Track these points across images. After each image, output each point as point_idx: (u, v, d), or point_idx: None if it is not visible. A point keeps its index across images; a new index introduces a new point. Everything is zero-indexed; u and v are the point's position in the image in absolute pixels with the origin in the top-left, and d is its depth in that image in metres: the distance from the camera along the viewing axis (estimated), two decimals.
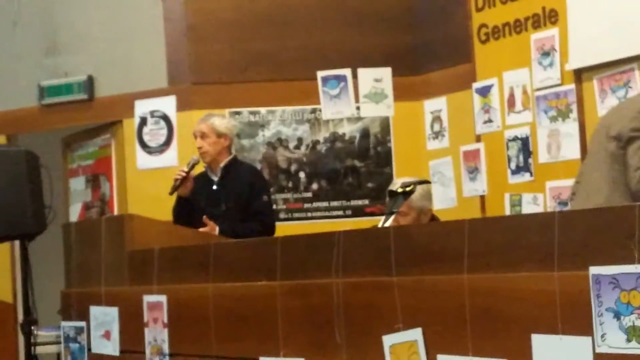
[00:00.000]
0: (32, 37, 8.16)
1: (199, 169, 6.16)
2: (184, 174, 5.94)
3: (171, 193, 6.00)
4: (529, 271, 3.08)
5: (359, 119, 7.58)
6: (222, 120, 6.21)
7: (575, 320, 2.89)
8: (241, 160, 6.59)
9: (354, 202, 7.59)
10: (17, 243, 6.80)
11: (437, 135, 7.47)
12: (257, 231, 5.82)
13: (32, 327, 6.17)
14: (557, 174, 6.42)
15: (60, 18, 8.08)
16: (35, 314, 6.21)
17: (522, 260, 3.12)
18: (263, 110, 7.60)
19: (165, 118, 7.62)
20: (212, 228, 5.77)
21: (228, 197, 6.02)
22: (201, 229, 5.71)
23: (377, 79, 7.51)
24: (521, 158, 6.66)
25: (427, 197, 5.22)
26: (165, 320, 4.75)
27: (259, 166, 7.29)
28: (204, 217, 5.80)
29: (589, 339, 2.83)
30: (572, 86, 6.35)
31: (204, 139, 6.07)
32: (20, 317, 6.62)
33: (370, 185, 7.61)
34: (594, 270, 2.83)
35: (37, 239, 6.26)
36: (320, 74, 7.50)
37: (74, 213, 8.35)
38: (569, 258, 2.95)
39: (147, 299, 4.86)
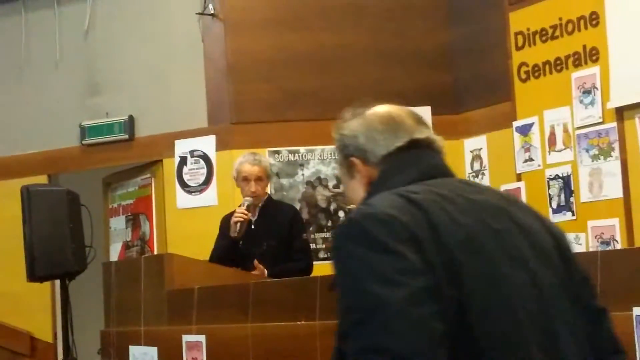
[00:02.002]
0: (74, 78, 8.24)
1: (229, 209, 6.10)
2: (244, 216, 5.83)
3: (236, 237, 5.84)
4: None
5: None
6: (267, 161, 6.18)
7: None
8: (277, 199, 6.58)
9: None
10: (57, 282, 6.82)
11: (477, 174, 7.43)
12: (302, 270, 5.77)
13: None
14: (599, 213, 6.36)
15: (101, 59, 8.16)
16: (75, 353, 6.23)
17: None
18: (302, 149, 7.60)
19: (205, 157, 7.65)
20: (261, 271, 5.70)
21: (268, 236, 5.97)
22: (253, 272, 5.63)
23: None
24: (562, 197, 6.61)
25: None
26: (205, 359, 4.73)
27: (298, 205, 7.27)
28: (255, 261, 5.72)
29: None
30: (614, 124, 6.30)
31: (259, 182, 5.96)
32: (60, 356, 6.64)
33: None
34: (637, 311, 2.79)
35: (77, 278, 6.28)
36: None
37: (114, 252, 8.38)
38: (611, 298, 2.91)
39: (186, 338, 4.85)
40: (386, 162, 2.36)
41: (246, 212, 5.80)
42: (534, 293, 2.20)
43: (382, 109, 2.45)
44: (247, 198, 5.90)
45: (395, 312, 1.99)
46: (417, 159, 2.36)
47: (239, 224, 5.76)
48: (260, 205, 6.04)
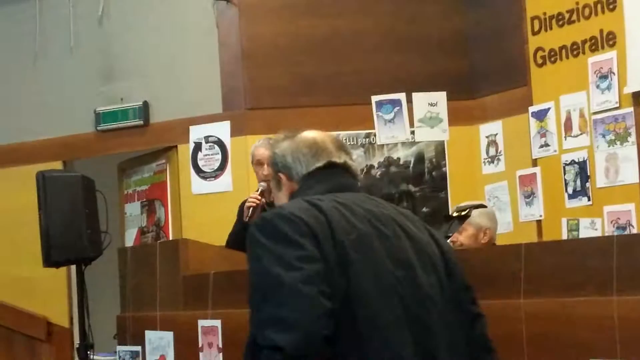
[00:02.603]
0: (89, 64, 8.24)
1: (243, 195, 6.11)
2: (257, 201, 5.86)
3: (248, 220, 5.89)
4: (587, 296, 3.04)
5: (413, 143, 7.54)
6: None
7: (635, 345, 2.84)
8: None
9: None
10: (73, 268, 6.84)
11: (492, 159, 7.41)
12: None
13: (88, 352, 6.20)
14: (615, 198, 6.34)
15: (116, 45, 8.17)
16: (92, 338, 6.25)
17: (580, 285, 3.07)
18: None
19: (220, 143, 7.65)
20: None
21: None
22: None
23: (432, 103, 7.47)
24: (578, 182, 6.59)
25: (488, 217, 5.14)
26: (220, 344, 4.74)
27: None
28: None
29: None
30: (631, 109, 6.27)
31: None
32: (77, 341, 6.66)
33: (425, 209, 7.56)
34: None
35: (93, 264, 6.29)
36: (375, 98, 7.48)
37: (130, 238, 8.40)
38: (627, 282, 2.90)
39: (202, 323, 4.86)
40: (305, 179, 2.90)
41: (259, 197, 5.82)
42: (413, 291, 2.67)
43: (310, 134, 3.03)
44: (262, 183, 5.92)
45: (291, 289, 2.49)
46: (330, 177, 2.90)
47: (251, 209, 5.79)
48: None
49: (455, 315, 2.77)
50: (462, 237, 5.00)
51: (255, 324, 2.57)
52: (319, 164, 2.93)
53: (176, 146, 7.86)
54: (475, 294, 2.93)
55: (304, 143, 3.00)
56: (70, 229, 6.11)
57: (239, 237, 5.88)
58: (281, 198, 2.97)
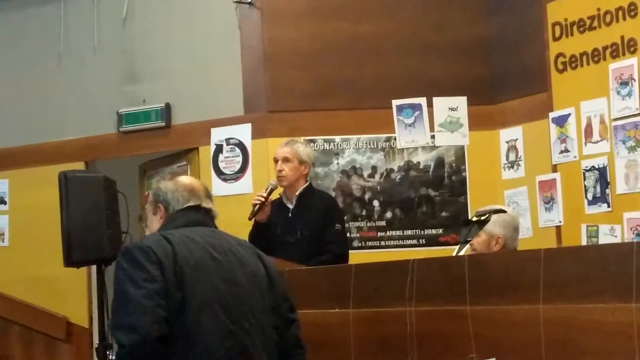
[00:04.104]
0: (112, 65, 8.29)
1: (275, 195, 6.18)
2: (262, 199, 5.95)
3: (250, 218, 6.02)
4: (606, 302, 3.04)
5: (433, 147, 7.55)
6: (305, 148, 6.24)
7: None
8: (316, 187, 6.62)
9: (427, 232, 7.56)
10: (93, 268, 6.87)
11: (512, 164, 7.41)
12: (327, 262, 5.80)
13: (108, 352, 6.21)
14: (635, 205, 6.33)
15: (139, 46, 8.21)
16: (111, 338, 6.27)
17: (599, 291, 3.07)
18: (338, 138, 7.61)
19: (241, 145, 7.68)
20: None
21: (303, 224, 6.02)
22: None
23: (452, 107, 7.50)
24: (598, 188, 6.58)
25: (503, 225, 5.11)
26: None
27: (332, 194, 7.29)
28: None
29: None
30: None
31: (286, 163, 6.08)
32: (96, 341, 6.69)
33: (444, 214, 7.56)
34: None
35: (113, 264, 6.31)
36: (396, 102, 7.51)
37: None
38: None
39: None
40: (175, 214, 3.83)
41: (264, 195, 5.90)
42: (235, 301, 3.62)
43: (187, 179, 4.01)
44: (272, 181, 6.03)
45: (136, 302, 3.43)
46: (190, 215, 3.84)
47: (256, 207, 5.87)
48: (298, 193, 6.10)
49: (275, 320, 3.77)
50: (476, 243, 5.00)
51: (111, 328, 3.58)
52: (190, 204, 3.86)
53: (197, 148, 7.90)
54: (293, 303, 3.90)
55: (182, 186, 3.91)
56: (91, 229, 6.14)
57: (252, 237, 5.98)
58: (154, 221, 3.89)
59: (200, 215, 3.88)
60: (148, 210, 3.94)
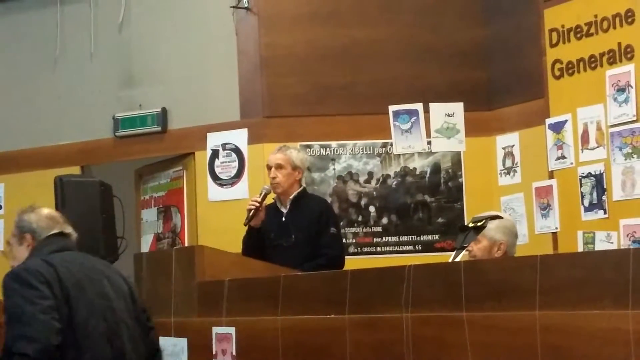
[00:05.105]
0: (108, 70, 8.28)
1: (269, 200, 6.18)
2: (257, 204, 5.96)
3: (246, 224, 6.02)
4: (603, 309, 3.03)
5: (430, 153, 7.55)
6: (297, 153, 6.23)
7: None
8: (310, 192, 6.61)
9: (423, 238, 7.55)
10: None
11: (509, 171, 7.41)
12: (323, 266, 5.80)
13: None
14: (632, 212, 6.33)
15: (135, 51, 8.20)
16: None
17: (596, 298, 3.07)
18: (334, 144, 7.61)
19: (237, 151, 7.67)
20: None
21: (297, 229, 6.02)
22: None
23: (449, 113, 7.50)
24: (595, 195, 6.58)
25: (504, 231, 5.10)
26: (234, 352, 4.75)
27: (329, 200, 7.28)
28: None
29: None
30: None
31: (279, 169, 6.08)
32: None
33: (440, 220, 7.56)
34: None
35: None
36: (392, 108, 7.51)
37: (146, 244, 8.42)
38: None
39: (216, 330, 4.87)
40: (42, 241, 4.36)
41: (259, 200, 5.91)
42: (111, 314, 4.26)
43: (46, 209, 4.49)
44: (265, 186, 6.04)
45: (31, 317, 3.98)
46: (58, 241, 4.37)
47: (251, 212, 5.87)
48: (292, 197, 6.09)
49: (139, 328, 4.42)
50: (476, 249, 4.98)
51: (11, 339, 3.98)
52: (53, 231, 4.38)
53: (193, 153, 7.89)
54: (149, 313, 4.59)
55: (44, 216, 4.42)
56: (87, 234, 6.11)
57: (246, 242, 5.99)
58: (21, 251, 4.39)
59: (65, 240, 4.42)
60: (13, 242, 4.46)
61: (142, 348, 4.43)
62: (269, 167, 6.16)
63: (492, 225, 4.90)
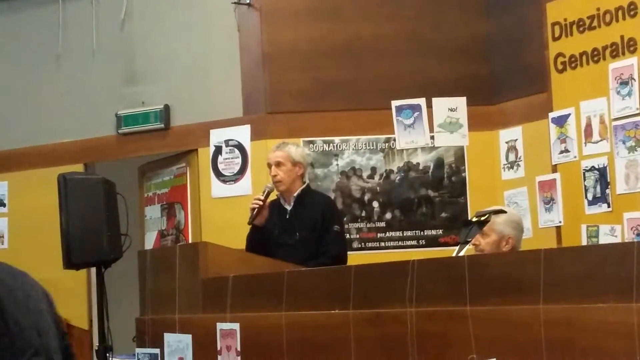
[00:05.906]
0: (110, 67, 8.29)
1: (272, 197, 6.18)
2: (260, 203, 5.95)
3: (250, 223, 6.01)
4: (607, 302, 3.03)
5: (433, 148, 7.55)
6: (297, 149, 6.22)
7: None
8: (314, 189, 6.60)
9: (427, 232, 7.55)
10: (93, 270, 6.86)
11: (512, 165, 7.40)
12: (326, 265, 5.79)
13: (107, 354, 6.22)
14: (635, 205, 6.32)
15: (137, 48, 8.21)
16: (111, 341, 6.27)
17: (600, 291, 3.07)
18: (337, 139, 7.61)
19: (240, 147, 7.67)
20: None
21: (301, 226, 6.01)
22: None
23: (452, 108, 7.49)
24: (598, 189, 6.57)
25: (512, 225, 5.09)
26: (238, 348, 4.75)
27: (332, 195, 7.28)
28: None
29: None
30: None
31: (279, 167, 6.07)
32: (96, 343, 6.68)
33: (444, 215, 7.56)
34: None
35: (112, 266, 6.32)
36: (395, 103, 7.50)
37: (150, 241, 8.43)
38: None
39: (221, 326, 4.87)
40: None
41: (262, 199, 5.90)
42: (48, 325, 3.74)
43: None
44: (268, 184, 6.03)
45: None
46: None
47: (255, 211, 5.86)
48: (296, 194, 6.09)
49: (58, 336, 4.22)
50: (484, 243, 4.97)
51: None
52: None
53: (196, 150, 7.89)
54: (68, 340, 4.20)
55: None
56: (91, 232, 6.14)
57: (250, 239, 5.99)
58: None
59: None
60: None
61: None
62: (269, 166, 6.14)
63: (500, 219, 4.89)
